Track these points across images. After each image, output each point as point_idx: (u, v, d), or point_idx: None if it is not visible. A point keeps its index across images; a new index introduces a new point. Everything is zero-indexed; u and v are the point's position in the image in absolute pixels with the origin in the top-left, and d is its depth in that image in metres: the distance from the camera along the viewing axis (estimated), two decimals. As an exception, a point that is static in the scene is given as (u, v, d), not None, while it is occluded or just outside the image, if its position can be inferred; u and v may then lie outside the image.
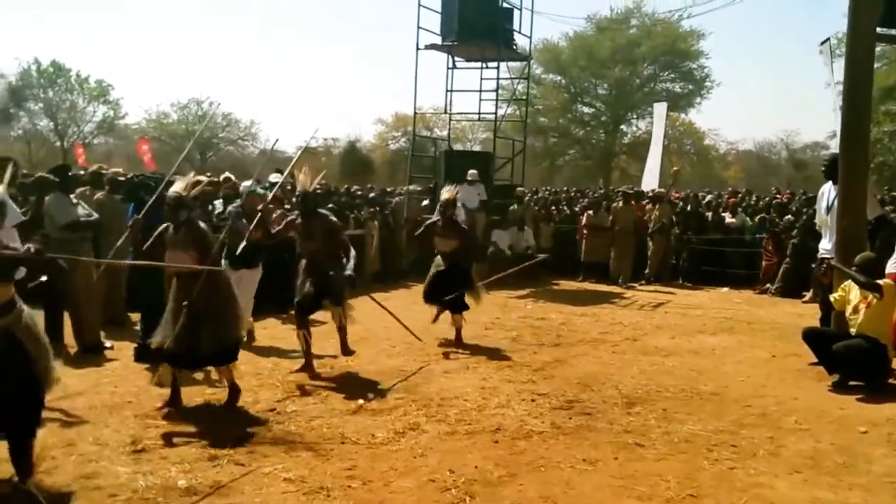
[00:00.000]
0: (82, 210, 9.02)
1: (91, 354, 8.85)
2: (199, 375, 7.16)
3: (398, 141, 57.37)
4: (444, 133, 31.07)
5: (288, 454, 5.83)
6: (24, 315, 4.94)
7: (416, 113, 20.69)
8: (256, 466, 5.56)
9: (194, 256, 6.71)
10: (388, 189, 24.63)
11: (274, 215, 8.76)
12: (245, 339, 9.39)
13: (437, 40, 19.09)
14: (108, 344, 9.17)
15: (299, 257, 8.76)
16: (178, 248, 6.74)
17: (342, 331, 8.70)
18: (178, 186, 6.89)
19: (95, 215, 9.10)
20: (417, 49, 18.99)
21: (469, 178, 16.73)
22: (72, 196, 9.10)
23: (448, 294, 9.89)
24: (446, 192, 10.25)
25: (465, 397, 7.45)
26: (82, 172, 13.06)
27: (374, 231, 15.60)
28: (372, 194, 19.08)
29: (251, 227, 8.16)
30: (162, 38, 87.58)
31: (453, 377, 8.33)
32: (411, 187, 18.95)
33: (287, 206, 10.79)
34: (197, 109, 58.36)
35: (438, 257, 10.22)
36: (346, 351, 8.75)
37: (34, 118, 54.80)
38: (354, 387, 7.86)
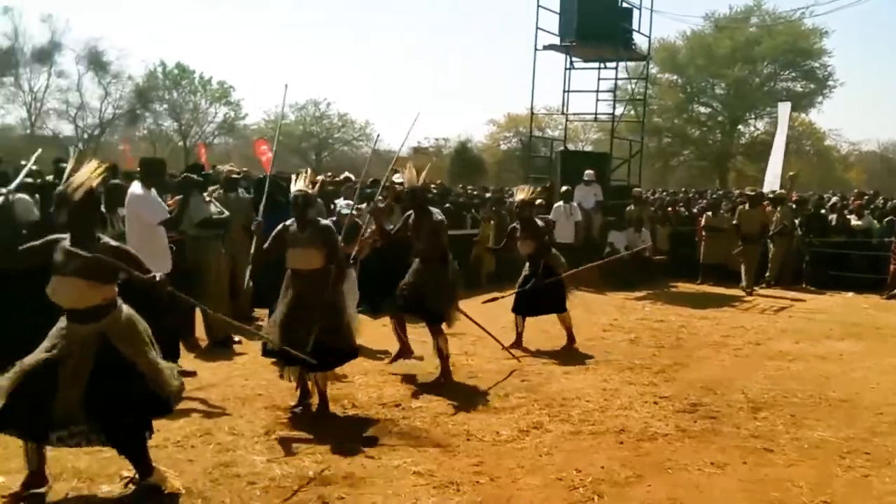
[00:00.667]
0: (214, 208, 9.34)
1: (221, 348, 9.16)
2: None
3: (509, 141, 57.45)
4: (555, 133, 30.99)
5: (416, 448, 5.93)
6: (122, 317, 4.90)
7: (532, 113, 20.70)
8: (386, 460, 5.68)
9: (323, 252, 6.70)
10: (505, 189, 24.68)
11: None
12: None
13: (556, 41, 19.07)
14: (236, 338, 9.45)
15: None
16: (306, 245, 6.69)
17: (442, 358, 8.05)
18: (301, 184, 6.93)
19: (227, 213, 9.41)
20: (536, 49, 19.09)
21: (586, 179, 16.70)
22: (204, 195, 9.42)
23: (532, 298, 9.60)
24: (521, 192, 9.91)
25: (586, 398, 7.45)
26: (210, 172, 13.48)
27: (490, 231, 15.59)
28: (488, 194, 19.12)
29: (356, 249, 8.19)
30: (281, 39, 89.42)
31: (573, 378, 8.32)
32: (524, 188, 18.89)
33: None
34: (314, 110, 59.48)
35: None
36: (447, 379, 8.00)
37: (159, 119, 57.10)
38: (475, 385, 7.95)
